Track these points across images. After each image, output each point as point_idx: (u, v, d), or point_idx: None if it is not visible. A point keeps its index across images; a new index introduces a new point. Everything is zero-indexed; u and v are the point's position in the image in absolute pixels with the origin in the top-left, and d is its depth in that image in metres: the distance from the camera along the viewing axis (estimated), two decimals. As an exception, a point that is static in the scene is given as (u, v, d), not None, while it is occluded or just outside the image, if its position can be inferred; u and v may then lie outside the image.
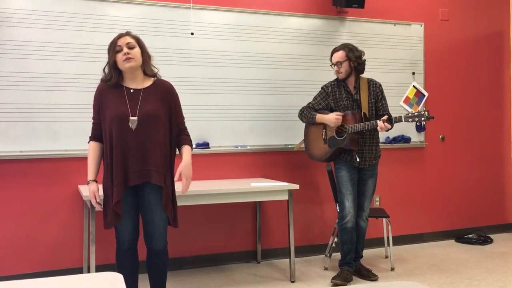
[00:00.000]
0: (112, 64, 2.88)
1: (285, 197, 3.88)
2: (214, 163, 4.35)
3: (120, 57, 2.84)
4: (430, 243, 5.10)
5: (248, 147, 4.45)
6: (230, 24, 4.39)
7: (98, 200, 2.90)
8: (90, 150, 2.96)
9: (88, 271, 3.68)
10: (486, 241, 5.09)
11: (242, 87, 4.42)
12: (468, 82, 5.33)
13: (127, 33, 2.93)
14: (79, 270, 3.90)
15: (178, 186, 3.00)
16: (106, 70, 2.92)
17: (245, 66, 4.43)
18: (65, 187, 3.91)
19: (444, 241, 5.16)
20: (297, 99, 4.49)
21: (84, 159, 3.81)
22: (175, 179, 2.96)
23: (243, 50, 4.42)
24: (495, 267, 4.21)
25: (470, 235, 5.17)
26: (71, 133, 3.90)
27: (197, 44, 4.26)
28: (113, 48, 2.86)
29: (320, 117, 3.90)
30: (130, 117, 2.81)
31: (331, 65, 3.91)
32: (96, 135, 2.95)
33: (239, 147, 4.42)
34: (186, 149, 2.98)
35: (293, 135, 4.52)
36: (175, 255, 4.03)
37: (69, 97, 3.89)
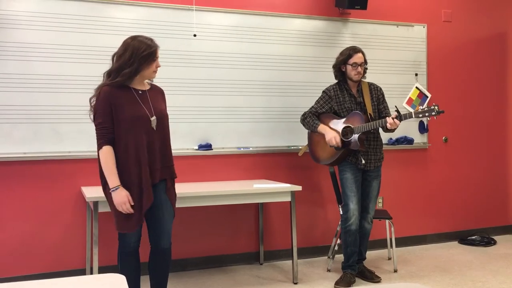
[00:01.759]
0: (139, 70, 2.85)
1: (288, 198, 3.88)
2: (216, 164, 4.35)
3: (153, 68, 2.93)
4: (433, 244, 5.09)
5: (251, 149, 4.45)
6: (233, 26, 4.39)
7: (132, 204, 2.80)
8: (109, 155, 2.81)
9: (91, 273, 3.68)
10: (490, 242, 5.07)
11: (244, 89, 4.42)
12: (471, 83, 5.32)
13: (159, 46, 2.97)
14: (82, 272, 3.90)
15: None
16: (125, 71, 2.82)
17: (248, 67, 4.43)
18: (69, 189, 3.91)
19: (447, 243, 5.15)
20: (300, 101, 4.49)
21: (87, 160, 3.87)
22: None
23: (246, 52, 4.42)
24: (499, 269, 4.19)
25: (473, 237, 5.15)
26: (75, 135, 3.90)
27: (199, 45, 4.27)
28: (152, 58, 2.89)
29: (322, 128, 3.86)
30: (151, 117, 2.89)
31: (353, 64, 3.79)
32: (109, 139, 2.83)
33: (242, 149, 4.42)
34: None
35: (296, 136, 4.52)
36: (177, 257, 4.03)
37: (73, 99, 3.89)
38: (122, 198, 2.77)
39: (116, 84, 2.87)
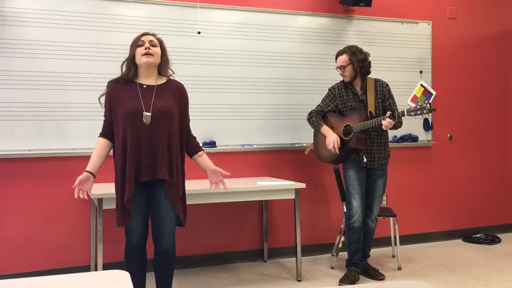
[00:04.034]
0: (131, 59, 2.92)
1: (292, 196, 3.88)
2: (220, 162, 4.33)
3: (140, 50, 2.88)
4: (437, 242, 5.09)
5: (255, 146, 4.45)
6: (237, 23, 4.39)
7: (76, 186, 2.81)
8: (97, 145, 2.93)
9: (96, 269, 3.70)
10: (494, 240, 5.06)
11: (248, 86, 4.42)
12: (476, 80, 5.30)
13: (153, 34, 2.99)
14: (86, 268, 3.92)
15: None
16: (125, 66, 2.95)
17: (252, 65, 4.43)
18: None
19: (452, 241, 5.14)
20: (304, 98, 4.49)
21: (91, 157, 3.88)
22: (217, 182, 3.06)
23: (250, 49, 4.42)
24: (503, 267, 4.18)
25: (477, 235, 5.14)
26: (79, 132, 3.92)
27: (204, 43, 4.27)
28: (135, 43, 2.92)
29: (325, 130, 3.89)
30: (143, 113, 2.80)
31: (336, 68, 3.90)
32: (105, 132, 2.93)
33: (246, 146, 4.42)
34: (206, 156, 3.11)
35: (300, 134, 4.52)
36: (182, 254, 4.04)
37: (78, 96, 3.91)
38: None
39: (121, 80, 2.91)
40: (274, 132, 4.51)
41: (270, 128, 4.50)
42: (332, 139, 3.80)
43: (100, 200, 3.30)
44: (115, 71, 3.92)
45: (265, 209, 4.46)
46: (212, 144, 4.27)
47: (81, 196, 2.83)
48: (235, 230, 4.44)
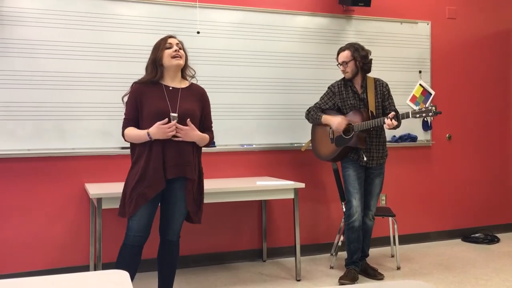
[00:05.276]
0: (158, 61, 2.94)
1: (291, 195, 3.88)
2: (220, 162, 4.36)
3: (169, 52, 2.94)
4: (437, 242, 5.09)
5: (254, 146, 4.45)
6: (236, 23, 4.39)
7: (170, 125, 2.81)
8: (130, 130, 2.91)
9: (95, 269, 3.70)
10: (493, 240, 5.07)
11: (248, 86, 4.42)
12: (475, 80, 5.30)
13: (175, 36, 3.05)
14: (85, 268, 3.91)
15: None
16: (149, 68, 2.97)
17: (251, 65, 4.43)
18: (72, 186, 3.93)
19: (451, 240, 5.15)
20: (304, 98, 4.49)
21: (91, 157, 3.91)
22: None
23: (249, 49, 4.42)
24: (502, 267, 4.19)
25: (476, 234, 5.15)
26: (79, 132, 3.91)
27: (203, 42, 4.27)
28: (163, 45, 2.96)
29: (325, 118, 3.90)
30: (170, 113, 2.86)
31: (337, 65, 3.90)
32: (129, 125, 2.94)
33: (245, 146, 4.42)
34: (205, 134, 3.03)
35: (299, 134, 4.52)
36: (181, 254, 4.00)
37: (78, 96, 3.91)
38: (160, 130, 2.81)
39: (146, 81, 2.95)
40: (273, 132, 4.51)
41: (269, 128, 4.50)
42: (337, 121, 3.80)
43: (99, 200, 3.30)
44: (115, 70, 3.95)
45: (264, 209, 4.46)
46: (211, 144, 4.26)
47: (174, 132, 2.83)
48: (235, 230, 4.44)
